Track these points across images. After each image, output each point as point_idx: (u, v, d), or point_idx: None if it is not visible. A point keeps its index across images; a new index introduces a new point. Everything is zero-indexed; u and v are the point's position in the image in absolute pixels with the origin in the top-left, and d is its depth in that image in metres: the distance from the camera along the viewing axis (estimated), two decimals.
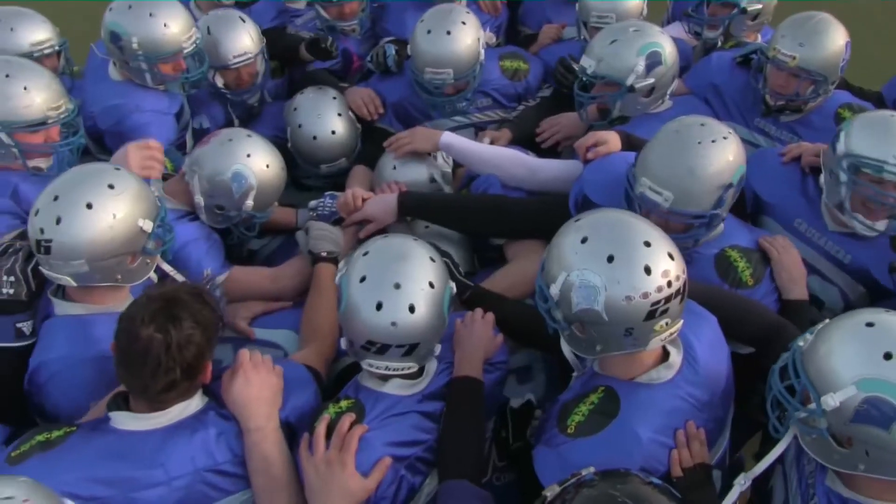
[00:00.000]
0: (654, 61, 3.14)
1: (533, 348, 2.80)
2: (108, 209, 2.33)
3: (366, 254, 2.26)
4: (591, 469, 1.83)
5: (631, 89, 3.16)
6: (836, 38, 3.14)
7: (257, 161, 3.01)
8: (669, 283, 2.00)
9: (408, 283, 2.18)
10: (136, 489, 2.04)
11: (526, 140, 3.58)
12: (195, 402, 2.17)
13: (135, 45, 3.32)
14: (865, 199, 2.65)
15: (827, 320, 1.95)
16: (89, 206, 2.31)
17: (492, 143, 3.45)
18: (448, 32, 3.43)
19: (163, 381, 2.04)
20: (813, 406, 1.82)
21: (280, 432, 2.20)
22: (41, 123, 2.87)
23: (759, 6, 3.65)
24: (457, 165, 3.43)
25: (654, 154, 2.57)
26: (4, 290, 2.46)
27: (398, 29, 4.15)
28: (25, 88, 2.84)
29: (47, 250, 2.32)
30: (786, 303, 2.65)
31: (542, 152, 3.59)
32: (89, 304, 2.45)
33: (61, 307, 2.46)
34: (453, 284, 2.35)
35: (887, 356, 1.74)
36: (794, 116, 3.29)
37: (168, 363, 2.03)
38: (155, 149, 2.96)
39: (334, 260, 2.96)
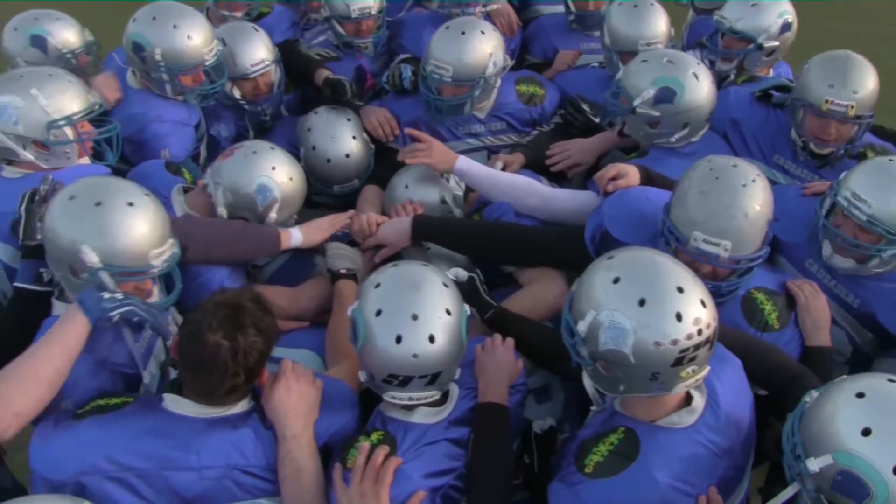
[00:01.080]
0: None
1: (553, 372, 2.77)
2: (61, 215, 2.30)
3: (378, 285, 2.21)
4: None
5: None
6: (874, 75, 3.05)
7: (281, 173, 3.01)
8: (700, 332, 1.96)
9: (425, 312, 2.15)
10: (170, 468, 2.13)
11: (539, 165, 3.55)
12: (242, 404, 2.24)
13: (158, 57, 3.30)
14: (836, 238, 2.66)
15: (843, 377, 1.92)
16: (72, 198, 2.30)
17: (504, 167, 3.42)
18: (463, 32, 3.43)
19: (228, 385, 2.13)
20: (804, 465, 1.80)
21: (314, 443, 2.22)
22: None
23: (776, 43, 3.59)
24: (469, 189, 3.40)
25: (702, 205, 2.50)
26: (39, 237, 2.47)
27: (414, 46, 4.12)
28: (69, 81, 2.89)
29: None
30: (808, 349, 2.62)
31: (553, 177, 3.57)
32: None
33: (58, 308, 2.47)
34: (467, 307, 2.31)
35: (865, 432, 1.71)
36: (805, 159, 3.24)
37: (235, 369, 2.10)
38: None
39: (354, 277, 2.94)
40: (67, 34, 3.72)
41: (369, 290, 2.21)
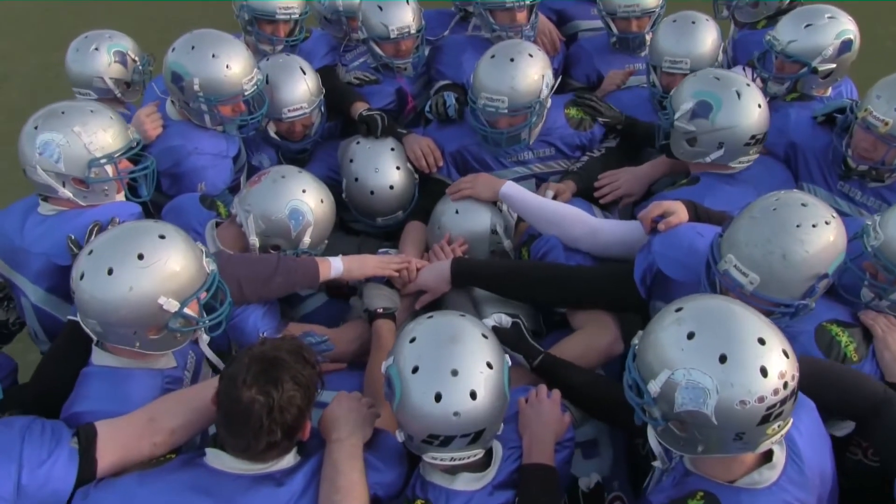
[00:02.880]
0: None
1: (606, 423, 2.58)
2: (127, 280, 2.17)
3: (413, 340, 2.06)
4: None
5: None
6: None
7: (312, 196, 2.90)
8: (786, 385, 1.77)
9: (465, 367, 1.99)
10: None
11: (590, 193, 3.36)
12: (289, 458, 2.11)
13: (196, 87, 3.16)
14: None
15: None
16: (110, 271, 2.17)
17: (555, 196, 3.22)
18: (511, 60, 3.22)
19: (264, 442, 2.01)
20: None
21: (359, 451, 2.13)
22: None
23: (832, 66, 3.33)
24: (519, 220, 3.20)
25: (745, 231, 2.29)
26: None
27: (453, 71, 3.96)
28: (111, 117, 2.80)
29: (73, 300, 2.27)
30: (889, 386, 2.36)
31: (606, 207, 3.38)
32: (124, 357, 2.33)
33: (98, 356, 2.36)
34: (509, 359, 2.15)
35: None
36: (876, 184, 3.01)
37: (270, 425, 1.98)
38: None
39: (392, 316, 2.80)
40: (132, 51, 3.73)
41: (404, 344, 2.07)
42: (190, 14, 6.48)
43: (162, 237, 2.24)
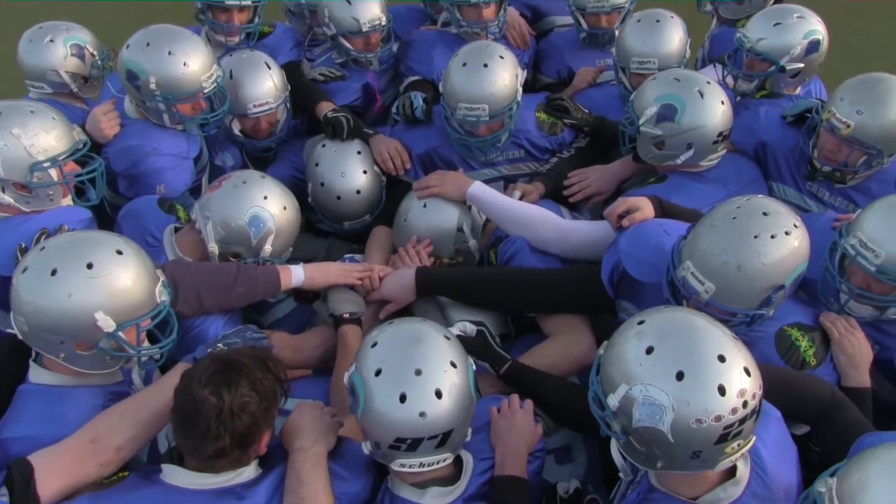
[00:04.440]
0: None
1: (575, 431, 2.53)
2: (68, 286, 2.05)
3: (374, 345, 2.02)
4: None
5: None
6: None
7: (274, 203, 2.80)
8: (745, 404, 1.71)
9: (429, 367, 1.95)
10: None
11: (560, 194, 3.28)
12: (248, 471, 2.03)
13: (153, 86, 3.03)
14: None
15: None
16: (54, 272, 2.06)
17: (522, 197, 3.14)
18: (485, 65, 3.11)
19: (211, 447, 1.92)
20: None
21: (323, 461, 2.06)
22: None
23: (800, 65, 3.26)
24: (487, 220, 3.12)
25: (704, 239, 2.23)
26: None
27: (424, 67, 3.87)
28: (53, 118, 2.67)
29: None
30: (844, 391, 2.33)
31: (573, 206, 3.31)
32: (63, 374, 2.20)
33: (35, 373, 2.23)
34: (472, 362, 2.09)
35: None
36: (840, 185, 2.96)
37: (218, 430, 1.89)
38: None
39: (358, 321, 2.72)
40: (91, 45, 3.55)
41: (366, 350, 2.03)
42: (156, 6, 6.24)
43: (119, 252, 2.14)
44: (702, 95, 2.87)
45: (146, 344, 2.26)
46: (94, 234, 2.29)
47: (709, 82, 2.93)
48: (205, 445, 1.92)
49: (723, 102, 2.91)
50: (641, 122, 2.91)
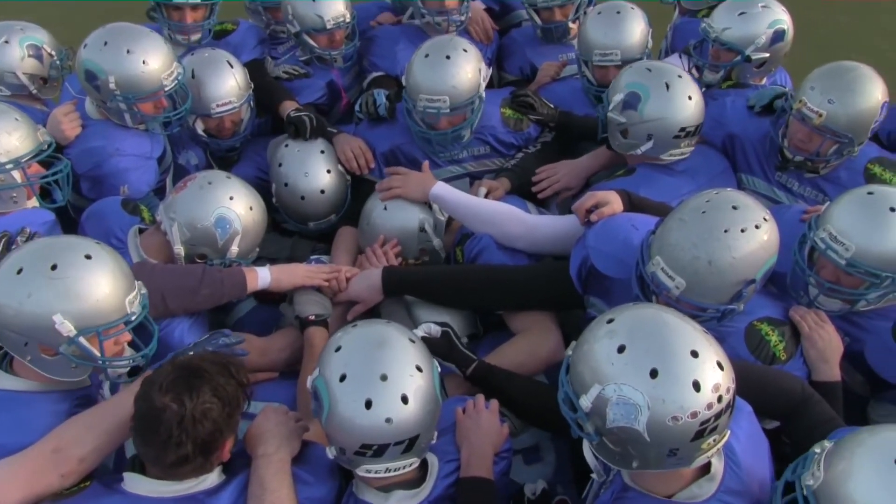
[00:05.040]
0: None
1: (544, 430, 2.50)
2: (29, 286, 2.00)
3: (338, 349, 1.97)
4: None
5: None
6: (872, 97, 2.74)
7: (241, 204, 2.76)
8: (720, 398, 1.68)
9: (394, 371, 1.91)
10: None
11: (525, 190, 3.24)
12: (211, 478, 1.99)
13: (112, 86, 2.97)
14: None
15: None
16: (20, 271, 2.01)
17: (488, 193, 3.10)
18: (447, 57, 3.08)
19: (173, 455, 1.87)
20: None
21: (287, 466, 2.02)
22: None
23: (766, 55, 3.26)
24: (452, 218, 3.07)
25: (673, 234, 2.21)
26: None
27: (388, 63, 3.83)
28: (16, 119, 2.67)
29: None
30: (814, 385, 2.31)
31: (540, 202, 3.27)
32: (28, 379, 2.13)
33: (2, 380, 2.15)
34: (438, 364, 2.06)
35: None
36: (812, 175, 2.95)
37: (180, 436, 1.85)
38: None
39: (324, 323, 2.68)
40: (48, 45, 3.45)
41: (329, 354, 1.98)
42: (119, 6, 6.07)
43: (88, 257, 2.07)
44: (668, 87, 2.84)
45: (128, 353, 2.21)
46: (70, 238, 2.23)
47: (681, 76, 2.90)
48: (166, 453, 1.87)
49: (691, 97, 2.87)
50: (609, 108, 2.89)
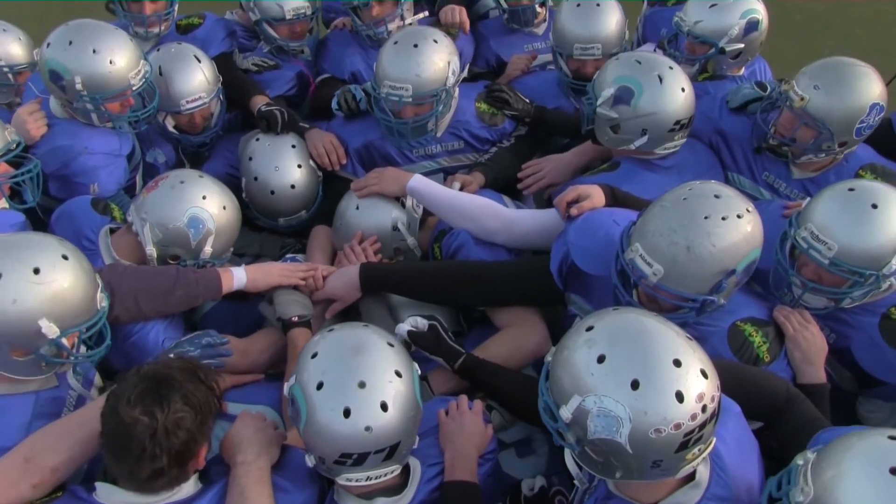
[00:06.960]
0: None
1: (534, 425, 2.40)
2: (14, 291, 1.97)
3: (315, 355, 1.90)
4: None
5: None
6: (860, 95, 2.64)
7: (213, 203, 2.68)
8: (704, 408, 1.62)
9: (373, 378, 1.85)
10: None
11: (500, 184, 3.16)
12: (188, 487, 1.93)
13: (79, 86, 2.86)
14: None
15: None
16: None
17: (462, 187, 3.02)
18: (415, 45, 2.99)
19: (148, 469, 1.81)
20: None
21: (267, 475, 1.97)
22: None
23: (740, 46, 3.20)
24: (428, 213, 3.00)
25: (653, 220, 2.15)
26: None
27: (335, 68, 3.75)
28: None
29: None
30: (800, 388, 2.25)
31: (517, 196, 3.19)
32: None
33: None
34: (417, 366, 2.00)
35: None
36: (805, 174, 2.87)
37: (154, 450, 1.79)
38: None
39: (307, 324, 2.61)
40: (11, 47, 3.34)
41: (306, 361, 1.91)
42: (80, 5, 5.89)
43: (65, 258, 2.06)
44: (661, 80, 2.76)
45: (82, 349, 2.18)
46: (37, 237, 2.17)
47: (671, 67, 2.82)
48: (141, 468, 1.81)
49: (683, 89, 2.79)
50: (598, 103, 2.80)
